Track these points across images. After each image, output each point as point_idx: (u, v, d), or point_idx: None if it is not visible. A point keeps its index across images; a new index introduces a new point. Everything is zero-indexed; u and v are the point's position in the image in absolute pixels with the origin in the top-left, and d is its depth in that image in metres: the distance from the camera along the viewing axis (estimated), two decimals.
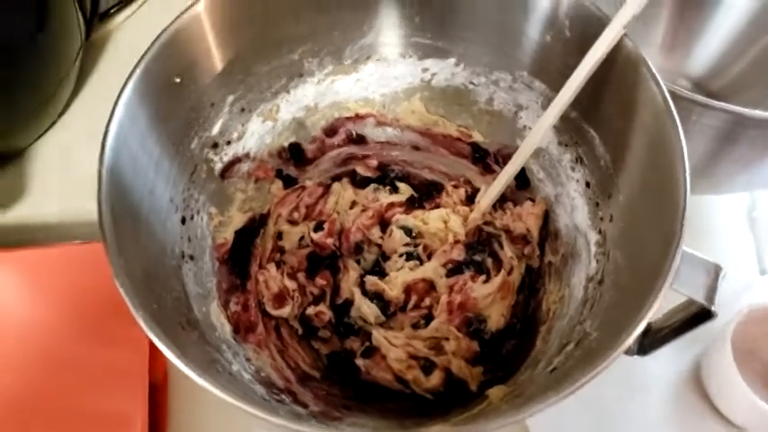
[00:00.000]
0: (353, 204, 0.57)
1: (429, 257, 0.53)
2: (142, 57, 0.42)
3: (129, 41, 0.73)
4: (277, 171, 0.56)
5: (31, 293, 0.55)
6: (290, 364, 0.50)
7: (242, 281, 0.52)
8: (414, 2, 0.51)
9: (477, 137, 0.57)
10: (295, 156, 0.57)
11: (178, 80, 0.45)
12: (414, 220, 0.54)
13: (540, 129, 0.47)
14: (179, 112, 0.46)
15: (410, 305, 0.51)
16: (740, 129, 0.47)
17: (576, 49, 0.45)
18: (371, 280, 0.51)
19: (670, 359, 0.57)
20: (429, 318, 0.50)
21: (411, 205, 0.56)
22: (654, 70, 0.41)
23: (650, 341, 0.42)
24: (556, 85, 0.48)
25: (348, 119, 0.58)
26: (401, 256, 0.53)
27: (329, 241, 0.53)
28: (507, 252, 0.52)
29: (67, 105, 0.69)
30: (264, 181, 0.56)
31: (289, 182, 0.57)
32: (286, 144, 0.56)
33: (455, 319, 0.48)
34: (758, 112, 0.45)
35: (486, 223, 0.54)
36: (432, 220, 0.54)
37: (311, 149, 0.58)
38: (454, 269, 0.51)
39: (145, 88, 0.42)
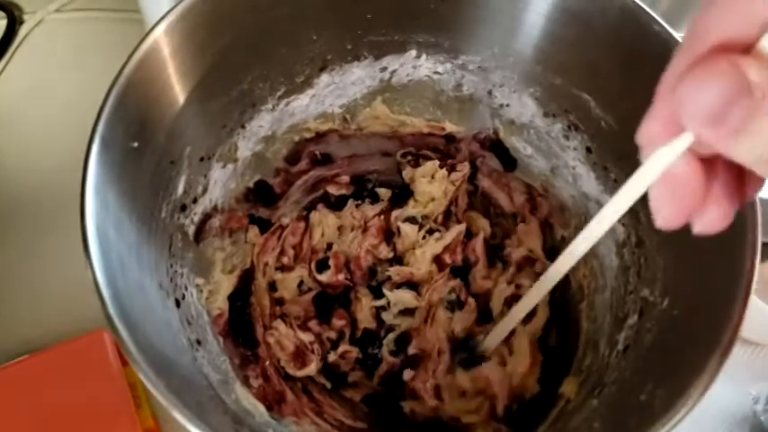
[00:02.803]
0: (341, 229, 0.52)
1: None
2: (96, 123, 0.34)
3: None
4: (249, 216, 0.50)
5: None
6: (334, 424, 0.45)
7: (252, 350, 0.46)
8: None
9: (450, 127, 0.53)
10: (263, 195, 0.51)
11: (135, 144, 0.37)
12: (412, 208, 0.50)
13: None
14: (143, 181, 0.39)
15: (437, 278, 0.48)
16: None
17: (557, 12, 0.42)
18: (396, 270, 0.48)
19: None
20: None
21: (398, 201, 0.53)
22: (655, 15, 0.39)
23: None
24: (534, 55, 0.46)
25: (309, 140, 0.52)
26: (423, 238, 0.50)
27: (341, 277, 0.48)
28: None
29: None
30: (239, 231, 0.49)
31: (263, 225, 0.51)
32: (251, 184, 0.50)
33: None
34: None
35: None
36: (420, 184, 0.52)
37: (277, 183, 0.52)
38: None
39: (106, 162, 0.34)
